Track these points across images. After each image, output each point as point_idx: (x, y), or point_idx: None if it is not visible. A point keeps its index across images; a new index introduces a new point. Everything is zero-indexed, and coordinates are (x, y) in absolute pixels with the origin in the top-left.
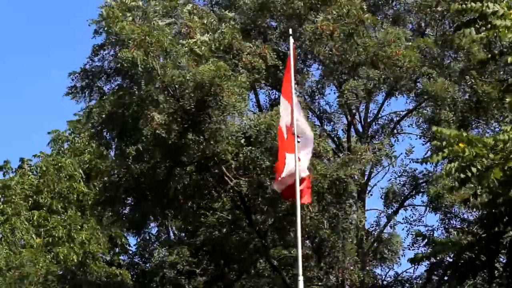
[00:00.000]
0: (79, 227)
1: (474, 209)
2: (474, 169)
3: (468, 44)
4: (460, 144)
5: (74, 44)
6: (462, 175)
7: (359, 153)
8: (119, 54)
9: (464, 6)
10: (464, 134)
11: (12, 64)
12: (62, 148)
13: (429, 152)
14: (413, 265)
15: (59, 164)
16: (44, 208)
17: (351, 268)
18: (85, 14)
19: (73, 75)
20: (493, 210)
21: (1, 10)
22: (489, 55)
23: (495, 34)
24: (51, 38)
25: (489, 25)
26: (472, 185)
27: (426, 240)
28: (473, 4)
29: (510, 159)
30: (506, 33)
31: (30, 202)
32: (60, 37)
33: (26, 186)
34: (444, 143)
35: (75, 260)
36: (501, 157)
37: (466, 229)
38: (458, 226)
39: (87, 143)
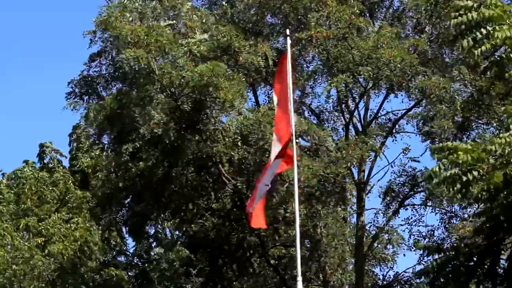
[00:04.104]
0: (73, 225)
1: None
2: (475, 173)
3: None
4: (460, 152)
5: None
6: (464, 178)
7: (347, 150)
8: (122, 54)
9: (462, 18)
10: (463, 145)
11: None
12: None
13: (427, 151)
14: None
15: (47, 177)
16: (34, 217)
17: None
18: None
19: (72, 83)
20: (494, 215)
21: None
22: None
23: (495, 43)
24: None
25: (488, 32)
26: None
27: (427, 251)
28: (470, 14)
29: (510, 163)
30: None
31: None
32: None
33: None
34: (442, 154)
35: (71, 255)
36: (501, 162)
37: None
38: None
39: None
